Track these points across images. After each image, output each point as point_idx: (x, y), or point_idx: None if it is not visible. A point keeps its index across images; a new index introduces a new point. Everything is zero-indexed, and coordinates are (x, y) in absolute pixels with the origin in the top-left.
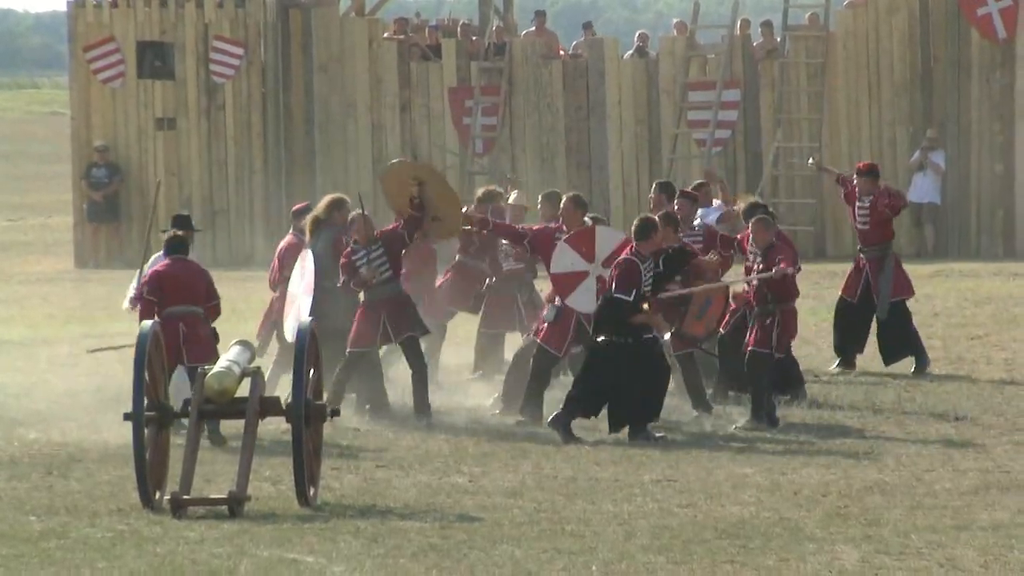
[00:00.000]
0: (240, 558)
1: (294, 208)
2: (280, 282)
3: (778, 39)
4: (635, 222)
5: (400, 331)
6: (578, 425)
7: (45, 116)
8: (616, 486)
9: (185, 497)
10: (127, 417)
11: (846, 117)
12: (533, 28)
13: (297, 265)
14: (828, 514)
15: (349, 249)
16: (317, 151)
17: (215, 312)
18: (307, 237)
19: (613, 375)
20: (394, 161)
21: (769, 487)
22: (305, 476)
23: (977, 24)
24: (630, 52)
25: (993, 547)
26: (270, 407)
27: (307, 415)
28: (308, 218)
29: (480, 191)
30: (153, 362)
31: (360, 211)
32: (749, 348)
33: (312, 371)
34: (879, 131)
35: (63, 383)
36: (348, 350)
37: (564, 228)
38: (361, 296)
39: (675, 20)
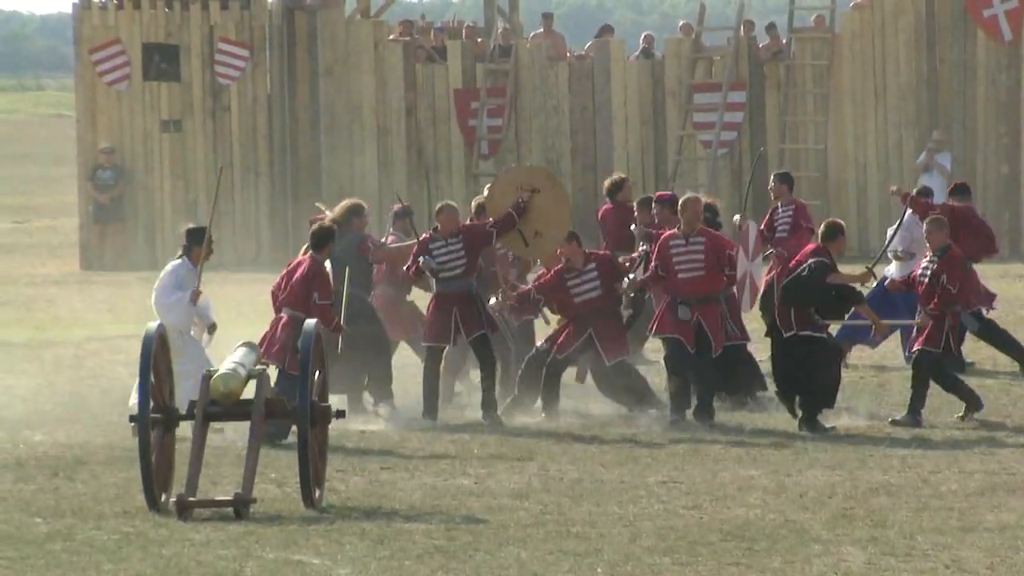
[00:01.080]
0: (246, 560)
1: (394, 208)
2: (382, 281)
3: (784, 41)
4: (824, 226)
5: (472, 329)
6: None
7: (51, 118)
8: (622, 488)
9: (191, 499)
10: (133, 419)
11: (852, 119)
12: (541, 30)
13: None
14: (834, 516)
15: (428, 235)
16: (322, 153)
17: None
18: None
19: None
20: (531, 165)
21: (775, 489)
22: (311, 478)
23: (983, 25)
24: (636, 54)
25: (999, 548)
26: (275, 409)
27: (313, 417)
28: (325, 223)
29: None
30: (158, 365)
31: (448, 202)
32: (918, 348)
33: (317, 373)
34: (885, 133)
35: (69, 385)
36: (425, 345)
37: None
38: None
39: (681, 22)
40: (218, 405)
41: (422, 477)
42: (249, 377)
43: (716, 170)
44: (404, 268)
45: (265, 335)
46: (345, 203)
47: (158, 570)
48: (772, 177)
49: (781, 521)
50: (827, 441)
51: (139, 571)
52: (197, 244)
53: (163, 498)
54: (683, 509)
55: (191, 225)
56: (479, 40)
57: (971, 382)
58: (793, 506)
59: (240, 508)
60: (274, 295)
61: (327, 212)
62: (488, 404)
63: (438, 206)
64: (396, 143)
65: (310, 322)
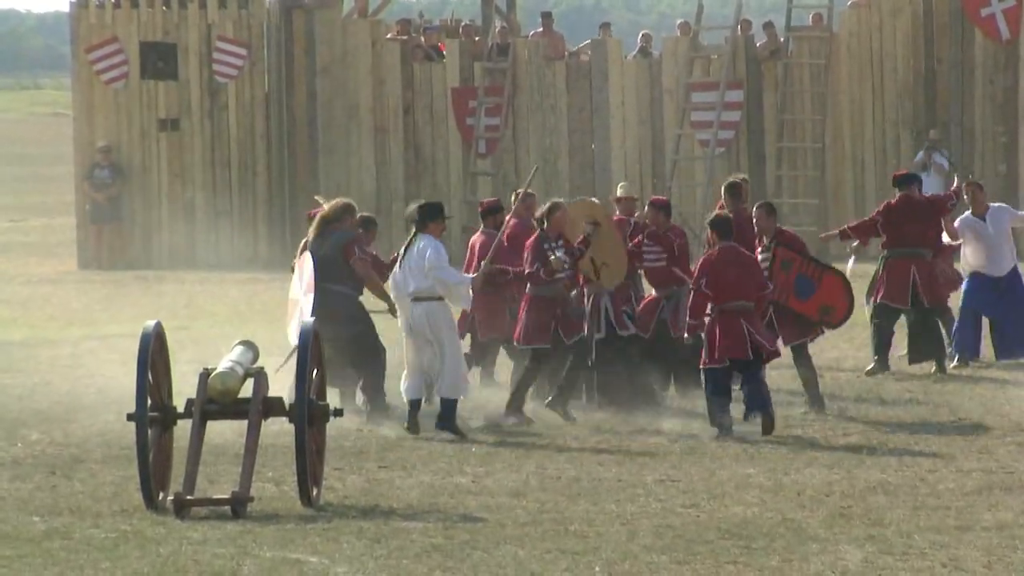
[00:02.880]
0: (243, 559)
1: (484, 205)
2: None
3: (781, 40)
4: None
5: (571, 332)
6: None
7: (48, 117)
8: (619, 486)
9: (188, 498)
10: (130, 418)
11: (849, 118)
12: (539, 29)
13: (296, 268)
14: (831, 514)
15: (537, 236)
16: (320, 152)
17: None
18: (311, 236)
19: None
20: (585, 199)
21: (772, 487)
22: (308, 477)
23: (981, 25)
24: (633, 53)
25: (996, 547)
26: (273, 408)
27: (310, 415)
28: (316, 218)
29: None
30: (156, 363)
31: (562, 201)
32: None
33: (315, 372)
34: (882, 132)
35: (66, 384)
36: (529, 347)
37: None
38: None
39: (678, 21)
40: (216, 404)
41: (420, 476)
42: (246, 376)
43: (713, 169)
44: (532, 270)
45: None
46: (339, 200)
47: (155, 568)
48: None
49: (779, 519)
50: (824, 440)
51: (136, 569)
52: (433, 220)
53: (160, 496)
54: (681, 507)
55: (420, 201)
56: (477, 39)
57: (971, 384)
58: (791, 504)
59: (237, 506)
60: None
61: (325, 206)
62: (555, 403)
63: (550, 204)
64: (393, 142)
65: (307, 321)
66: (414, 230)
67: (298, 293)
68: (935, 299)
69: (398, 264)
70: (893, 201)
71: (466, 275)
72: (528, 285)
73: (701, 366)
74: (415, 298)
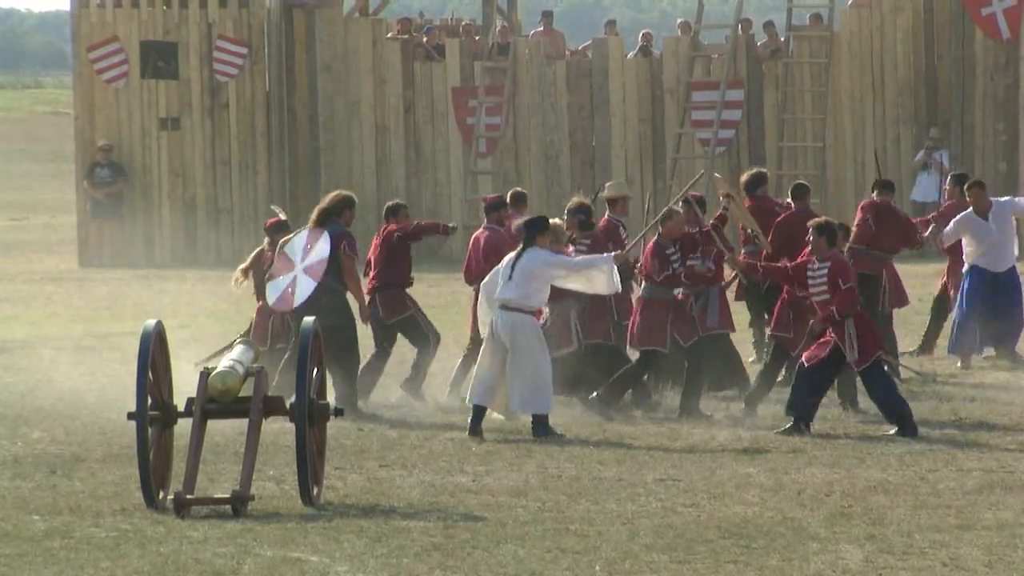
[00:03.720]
0: (244, 557)
1: (487, 200)
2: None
3: (782, 39)
4: None
5: (687, 335)
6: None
7: (49, 116)
8: (620, 485)
9: (189, 496)
10: (131, 417)
11: (850, 117)
12: (540, 28)
13: (306, 239)
14: (832, 514)
15: (656, 242)
16: (321, 151)
17: None
18: (311, 226)
19: None
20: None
21: (772, 487)
22: (309, 475)
23: (981, 23)
24: (634, 52)
25: (997, 546)
26: (274, 407)
27: (311, 415)
28: (316, 210)
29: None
30: (156, 361)
31: (684, 203)
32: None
33: (315, 370)
34: (883, 130)
35: (67, 382)
36: (642, 348)
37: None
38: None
39: (679, 20)
40: (216, 403)
41: (420, 475)
42: (247, 375)
43: (714, 168)
44: (656, 274)
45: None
46: (339, 193)
47: (156, 567)
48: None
49: (779, 519)
50: (825, 439)
51: (137, 568)
52: (540, 234)
53: (161, 495)
54: (681, 507)
55: (527, 217)
56: (477, 38)
57: (972, 383)
58: (791, 504)
59: (238, 505)
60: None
61: (282, 215)
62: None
63: (665, 211)
64: (394, 141)
65: (308, 320)
66: (522, 245)
67: (296, 258)
68: (897, 304)
69: (499, 274)
70: (879, 201)
71: (599, 256)
72: (645, 288)
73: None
74: (503, 306)
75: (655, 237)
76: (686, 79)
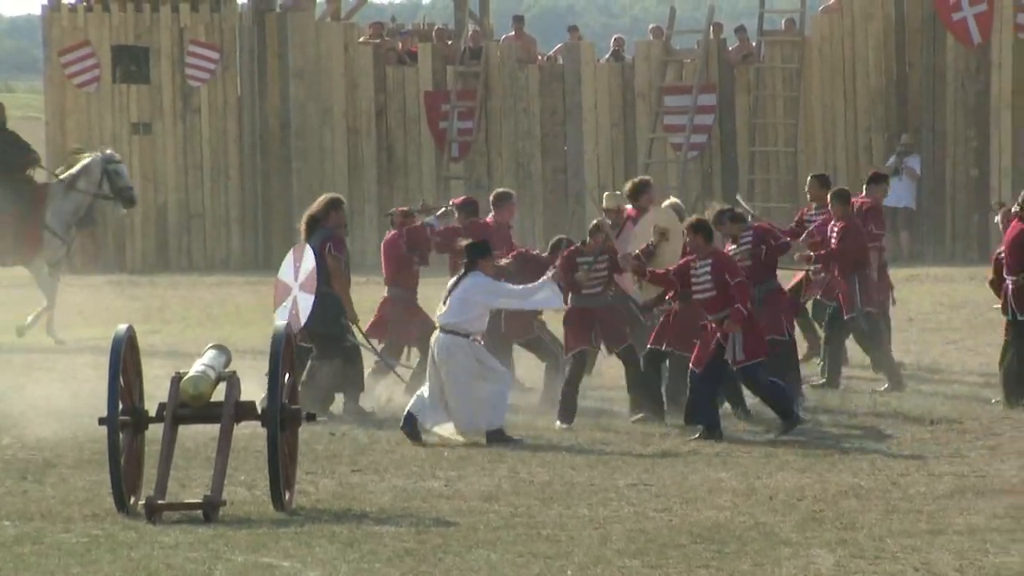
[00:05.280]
0: (215, 563)
1: (459, 203)
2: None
3: (754, 44)
4: None
5: (618, 341)
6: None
7: (20, 120)
8: (591, 490)
9: (160, 502)
10: (102, 422)
11: (821, 122)
12: (511, 33)
13: (292, 259)
14: (803, 518)
15: (575, 248)
16: (293, 156)
17: None
18: (303, 235)
19: None
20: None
21: (744, 491)
22: (280, 481)
23: (952, 28)
24: (606, 56)
25: (968, 551)
26: (245, 412)
27: (282, 419)
28: (304, 216)
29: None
30: (128, 367)
31: (605, 220)
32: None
33: (288, 375)
34: (855, 136)
35: (39, 388)
36: (571, 353)
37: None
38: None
39: (651, 25)
40: (188, 407)
41: (392, 480)
42: (219, 379)
43: (686, 173)
44: (551, 276)
45: None
46: (325, 196)
47: (127, 573)
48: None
49: (751, 523)
50: (797, 444)
51: (108, 574)
52: (482, 258)
53: (132, 501)
54: (653, 511)
55: (467, 241)
56: (449, 43)
57: (943, 388)
58: (763, 508)
59: (209, 511)
60: None
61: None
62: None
63: (594, 224)
64: (366, 145)
65: (280, 324)
66: (464, 268)
67: (290, 279)
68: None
69: (443, 300)
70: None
71: (538, 283)
72: (572, 298)
73: None
74: (443, 328)
75: (575, 246)
76: (658, 84)
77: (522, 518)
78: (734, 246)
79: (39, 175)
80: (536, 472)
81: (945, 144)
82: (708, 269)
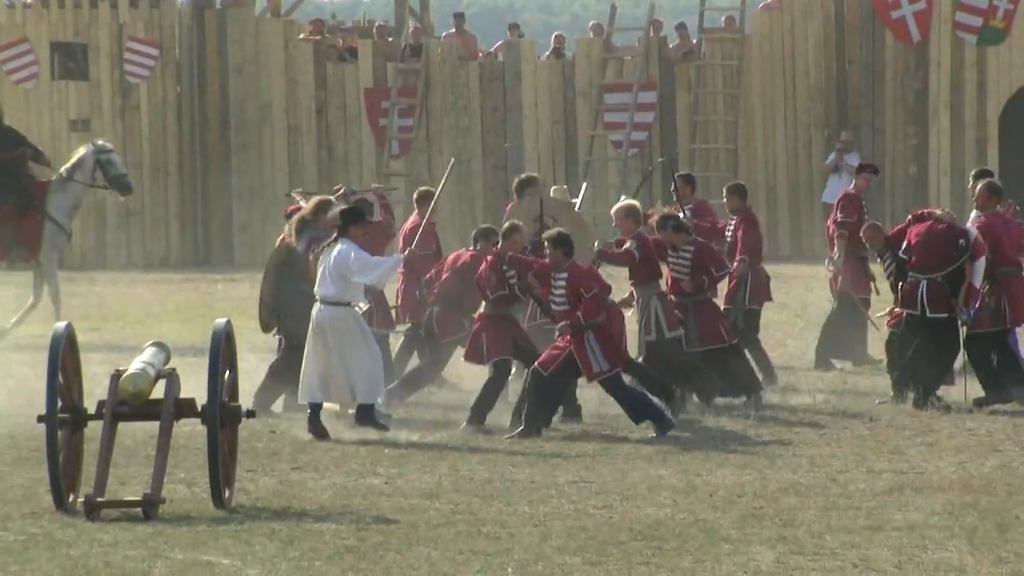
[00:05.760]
0: (154, 561)
1: (419, 194)
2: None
3: (694, 41)
4: None
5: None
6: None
7: None
8: (532, 487)
9: (99, 499)
10: (40, 419)
11: (761, 119)
12: (452, 30)
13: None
14: (743, 515)
15: (495, 256)
16: (232, 153)
17: None
18: (293, 237)
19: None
20: (550, 197)
21: (684, 488)
22: (220, 478)
23: (891, 27)
24: (546, 54)
25: (907, 547)
26: (185, 409)
27: (222, 417)
28: (294, 218)
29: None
30: (66, 364)
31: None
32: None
33: (228, 372)
34: (794, 133)
35: None
36: (492, 361)
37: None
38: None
39: (591, 22)
40: (127, 405)
41: (332, 477)
42: (158, 377)
43: (627, 170)
44: (491, 291)
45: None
46: (316, 198)
47: (65, 571)
48: (675, 177)
49: (691, 520)
50: (737, 441)
51: (46, 572)
52: (354, 224)
53: (71, 498)
54: (593, 509)
55: (342, 206)
56: (390, 39)
57: (883, 385)
58: (703, 505)
59: (149, 509)
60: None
61: (303, 202)
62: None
63: (508, 225)
64: (306, 142)
65: (220, 321)
66: (335, 235)
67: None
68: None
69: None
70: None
71: (391, 258)
72: (485, 305)
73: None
74: (323, 301)
75: (495, 254)
76: (598, 81)
77: (463, 515)
78: (673, 255)
79: (43, 172)
80: (476, 469)
81: (884, 141)
82: (564, 283)
